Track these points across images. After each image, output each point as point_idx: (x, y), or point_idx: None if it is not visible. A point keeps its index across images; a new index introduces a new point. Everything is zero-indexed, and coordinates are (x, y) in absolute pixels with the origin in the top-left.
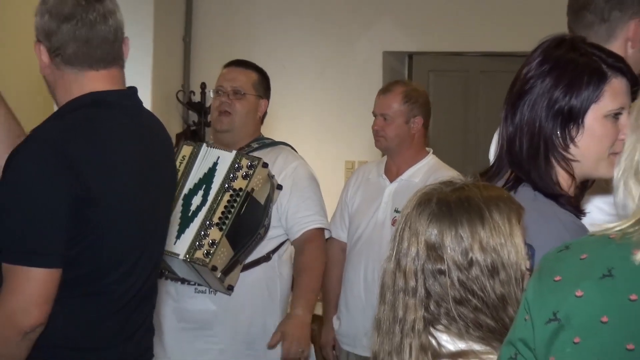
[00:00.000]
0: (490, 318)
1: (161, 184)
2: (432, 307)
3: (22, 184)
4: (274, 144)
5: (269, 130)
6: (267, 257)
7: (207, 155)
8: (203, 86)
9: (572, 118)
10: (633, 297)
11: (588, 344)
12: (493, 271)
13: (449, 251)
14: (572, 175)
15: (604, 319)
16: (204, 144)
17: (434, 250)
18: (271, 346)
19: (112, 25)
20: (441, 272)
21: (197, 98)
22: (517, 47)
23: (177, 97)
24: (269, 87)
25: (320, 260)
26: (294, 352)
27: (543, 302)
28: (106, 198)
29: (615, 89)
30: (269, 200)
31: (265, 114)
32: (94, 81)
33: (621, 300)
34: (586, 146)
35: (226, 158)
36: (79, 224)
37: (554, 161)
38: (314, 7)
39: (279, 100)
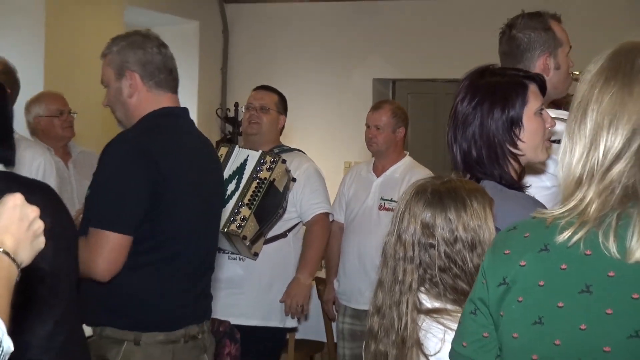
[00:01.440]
0: (466, 283)
1: (214, 175)
2: (420, 273)
3: (115, 170)
4: (290, 150)
5: (286, 138)
6: (284, 235)
7: (239, 154)
8: (236, 105)
9: (515, 123)
10: (563, 266)
11: (528, 302)
12: (472, 246)
13: (439, 230)
14: (520, 165)
15: (541, 283)
16: (237, 146)
17: (427, 229)
18: (281, 302)
19: (174, 58)
20: (432, 246)
21: (231, 114)
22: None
23: (217, 113)
24: (287, 107)
25: (323, 238)
26: (293, 306)
27: (495, 269)
28: (174, 181)
29: (534, 92)
30: (286, 188)
31: (283, 127)
32: (166, 101)
33: (554, 269)
34: (528, 140)
35: (254, 156)
36: (155, 202)
37: (509, 159)
38: (320, 45)
39: (294, 116)
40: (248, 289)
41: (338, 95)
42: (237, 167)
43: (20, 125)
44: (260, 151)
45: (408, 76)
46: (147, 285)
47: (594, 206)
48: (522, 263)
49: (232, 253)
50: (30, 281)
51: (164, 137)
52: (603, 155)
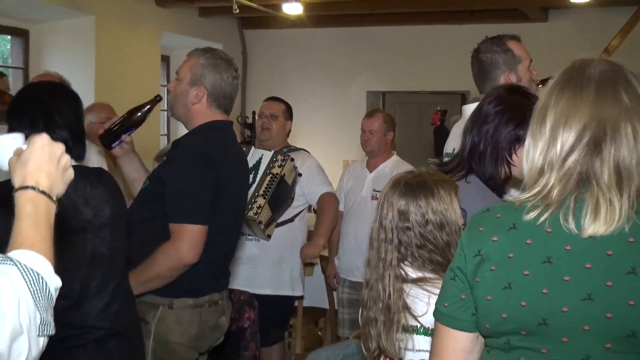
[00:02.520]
0: (440, 256)
1: (245, 178)
2: (402, 250)
3: (186, 174)
4: (297, 149)
5: (294, 140)
6: (291, 220)
7: (255, 153)
8: (253, 113)
9: (518, 140)
10: (528, 241)
11: (500, 271)
12: (441, 226)
13: (412, 215)
14: (511, 173)
15: (510, 255)
16: (253, 147)
17: (403, 215)
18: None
19: (238, 88)
20: (408, 228)
21: (249, 121)
22: (449, 88)
23: (237, 120)
24: (292, 113)
25: (333, 210)
26: (304, 258)
27: (471, 244)
28: (226, 185)
29: None
30: (294, 182)
31: (290, 130)
32: (218, 117)
33: (521, 244)
34: (521, 157)
35: (267, 155)
36: (214, 200)
37: (504, 164)
38: (322, 63)
39: (301, 121)
40: (263, 264)
41: (337, 105)
42: (254, 164)
43: None
44: (272, 151)
45: (396, 89)
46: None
47: (555, 191)
48: (494, 239)
49: (249, 235)
50: (93, 262)
51: (222, 149)
52: (560, 148)
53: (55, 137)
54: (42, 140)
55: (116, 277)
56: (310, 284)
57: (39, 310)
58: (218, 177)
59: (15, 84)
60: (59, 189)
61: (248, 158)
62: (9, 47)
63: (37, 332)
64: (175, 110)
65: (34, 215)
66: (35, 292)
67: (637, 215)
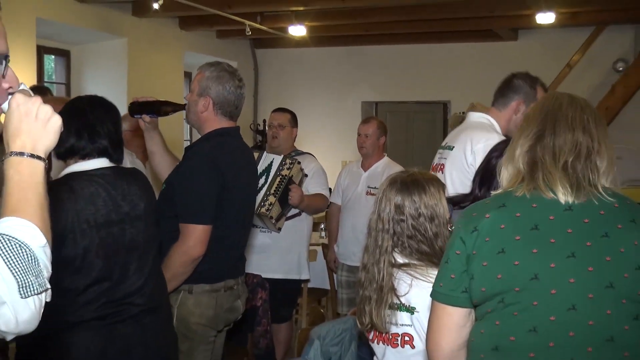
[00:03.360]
0: (427, 246)
1: (254, 178)
2: (394, 239)
3: (194, 179)
4: (303, 153)
5: (300, 143)
6: (299, 214)
7: (266, 157)
8: (263, 122)
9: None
10: (517, 214)
11: (494, 239)
12: (431, 218)
13: (407, 209)
14: None
15: (502, 226)
16: (264, 152)
17: (398, 208)
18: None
19: (244, 96)
20: (402, 220)
21: (260, 128)
22: (433, 98)
23: (250, 127)
24: (297, 121)
25: (321, 200)
26: (292, 201)
27: (467, 224)
28: (232, 187)
29: None
30: (301, 182)
31: (296, 136)
32: (225, 123)
33: (511, 216)
34: None
35: (277, 159)
36: (220, 200)
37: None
38: (323, 77)
39: (306, 127)
40: (274, 252)
41: (336, 113)
42: (265, 167)
43: None
44: (282, 155)
45: (387, 99)
46: (208, 253)
47: (533, 179)
48: (487, 216)
49: (262, 227)
50: (130, 249)
51: (228, 153)
52: (534, 153)
53: (97, 146)
54: (16, 100)
55: (150, 262)
56: (313, 268)
57: (14, 275)
58: (224, 179)
59: (59, 95)
60: (46, 141)
61: (260, 162)
62: (53, 65)
63: (20, 295)
64: (189, 118)
65: (16, 180)
66: (9, 257)
67: (600, 194)
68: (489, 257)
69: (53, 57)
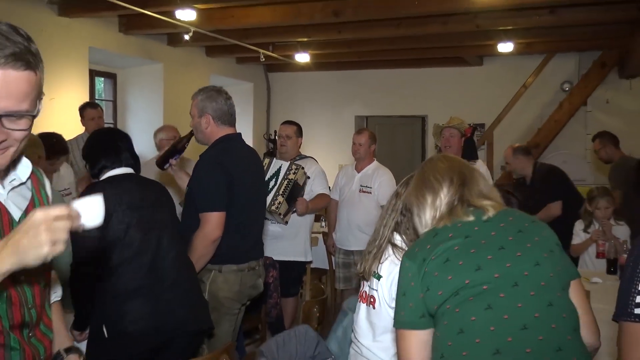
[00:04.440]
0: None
1: (259, 172)
2: (399, 220)
3: (204, 176)
4: (306, 157)
5: (306, 148)
6: None
7: (275, 163)
8: (274, 132)
9: None
10: (450, 235)
11: (438, 258)
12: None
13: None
14: None
15: (441, 245)
16: (274, 158)
17: (405, 206)
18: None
19: (234, 105)
20: (403, 214)
21: (272, 137)
22: (413, 113)
23: (264, 137)
24: (302, 131)
25: (322, 200)
26: (298, 210)
27: (414, 259)
28: (238, 181)
29: None
30: (304, 183)
31: (301, 144)
32: (227, 130)
33: (446, 237)
34: None
35: (285, 164)
36: (230, 192)
37: None
38: (323, 96)
39: (309, 136)
40: (283, 239)
41: (334, 124)
42: (275, 172)
43: (151, 145)
44: (289, 162)
45: (376, 114)
46: (228, 238)
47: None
48: (428, 246)
49: (273, 221)
50: (162, 228)
51: (231, 154)
52: (440, 202)
53: (121, 158)
54: (35, 216)
55: (177, 240)
56: (315, 252)
57: None
58: (230, 174)
59: (107, 112)
60: (28, 257)
61: (270, 167)
62: (102, 85)
63: None
64: (198, 138)
65: None
66: None
67: (503, 209)
68: (438, 269)
69: (102, 79)
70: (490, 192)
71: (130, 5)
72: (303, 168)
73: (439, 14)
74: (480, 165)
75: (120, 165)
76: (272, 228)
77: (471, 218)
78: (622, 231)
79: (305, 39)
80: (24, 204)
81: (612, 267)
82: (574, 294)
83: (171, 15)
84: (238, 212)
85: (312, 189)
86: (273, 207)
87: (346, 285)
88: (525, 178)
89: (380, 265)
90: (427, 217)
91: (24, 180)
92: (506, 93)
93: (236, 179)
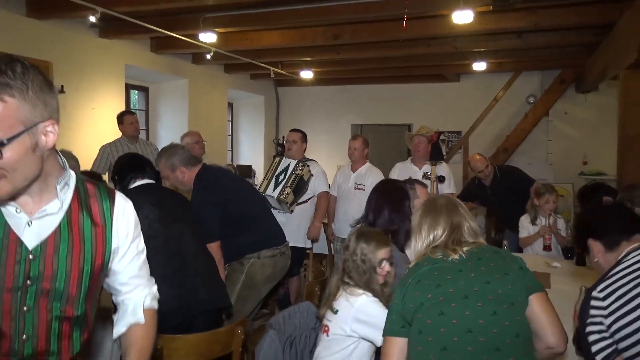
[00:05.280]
0: (358, 276)
1: (241, 179)
2: (345, 266)
3: (203, 212)
4: (310, 159)
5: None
6: (306, 202)
7: (285, 161)
8: (282, 137)
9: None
10: (425, 264)
11: (414, 279)
12: (363, 261)
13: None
14: None
15: (417, 272)
16: (283, 157)
17: (350, 249)
18: (307, 236)
19: (184, 146)
20: (349, 256)
21: (281, 142)
22: (400, 122)
23: (273, 141)
24: (306, 138)
25: (325, 203)
26: (311, 236)
27: (401, 287)
28: (233, 192)
29: None
30: (309, 179)
31: (305, 148)
32: (196, 169)
33: (421, 265)
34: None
35: (293, 162)
36: (223, 210)
37: None
38: (324, 106)
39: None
40: (287, 227)
41: (333, 131)
42: (284, 168)
43: None
44: (296, 160)
45: (369, 122)
46: (250, 234)
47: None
48: (410, 280)
49: (280, 210)
50: (183, 222)
51: (213, 182)
52: (433, 238)
53: (144, 172)
54: None
55: (197, 236)
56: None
57: None
58: (223, 197)
59: (140, 120)
60: None
61: (280, 163)
62: (136, 97)
63: None
64: (182, 190)
65: None
66: None
67: (476, 247)
68: (412, 288)
69: (137, 91)
70: (469, 232)
71: (160, 29)
72: (309, 166)
73: (423, 38)
74: (444, 167)
75: (144, 178)
76: (278, 217)
77: (451, 255)
78: (560, 223)
79: (309, 59)
80: (46, 234)
81: (569, 253)
82: (536, 306)
83: (195, 37)
84: (244, 209)
85: (315, 186)
86: (282, 197)
87: None
88: (484, 181)
89: (335, 302)
90: (418, 247)
91: (53, 212)
92: (479, 105)
93: (231, 193)
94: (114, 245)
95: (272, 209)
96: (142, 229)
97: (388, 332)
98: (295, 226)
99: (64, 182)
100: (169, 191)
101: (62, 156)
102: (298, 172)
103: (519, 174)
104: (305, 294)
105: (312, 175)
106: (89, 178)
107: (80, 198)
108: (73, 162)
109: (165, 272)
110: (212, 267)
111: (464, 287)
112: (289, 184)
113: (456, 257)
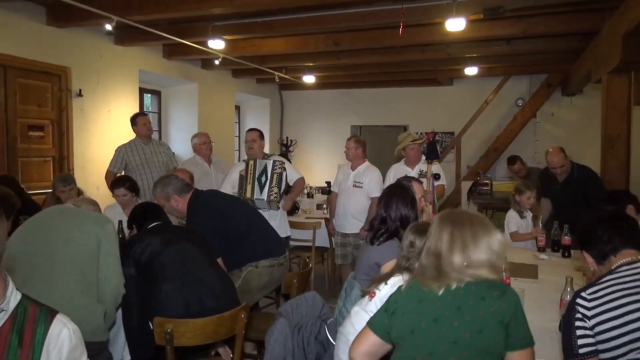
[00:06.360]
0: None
1: (230, 196)
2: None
3: (198, 223)
4: (271, 154)
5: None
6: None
7: (260, 163)
8: (287, 138)
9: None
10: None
11: (402, 312)
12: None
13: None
14: None
15: (408, 307)
16: (257, 159)
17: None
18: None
19: (177, 175)
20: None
21: (285, 142)
22: (396, 123)
23: (278, 142)
24: (264, 136)
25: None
26: (284, 208)
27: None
28: (226, 209)
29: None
30: (285, 175)
31: (264, 146)
32: (188, 196)
33: (408, 297)
34: None
35: (269, 163)
36: (223, 225)
37: None
38: (325, 108)
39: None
40: (271, 221)
41: (334, 132)
42: (262, 169)
43: (187, 148)
44: (272, 160)
45: (367, 124)
46: (249, 246)
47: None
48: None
49: (264, 209)
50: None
51: (208, 204)
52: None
53: (162, 217)
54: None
55: (209, 254)
56: (319, 233)
57: None
58: (220, 217)
59: (152, 122)
60: None
61: (256, 167)
62: (150, 100)
63: None
64: (175, 215)
65: None
66: None
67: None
68: (399, 316)
69: (150, 95)
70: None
71: (172, 36)
72: (283, 163)
73: (418, 44)
74: (439, 167)
75: (158, 221)
76: (264, 215)
77: (435, 288)
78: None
79: (311, 64)
80: None
81: (555, 246)
82: None
83: (204, 44)
84: (243, 222)
85: (291, 178)
86: (272, 197)
87: (343, 261)
88: (558, 176)
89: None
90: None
91: (9, 310)
92: (471, 108)
93: (225, 211)
94: None
95: (259, 210)
96: (146, 253)
97: (370, 325)
98: (276, 220)
99: (0, 308)
100: (178, 226)
101: (9, 282)
102: (278, 171)
103: (595, 179)
104: (284, 286)
105: (285, 169)
106: (35, 302)
107: (15, 321)
108: (92, 206)
109: (174, 287)
110: (221, 278)
111: (437, 340)
112: (274, 184)
113: (439, 293)
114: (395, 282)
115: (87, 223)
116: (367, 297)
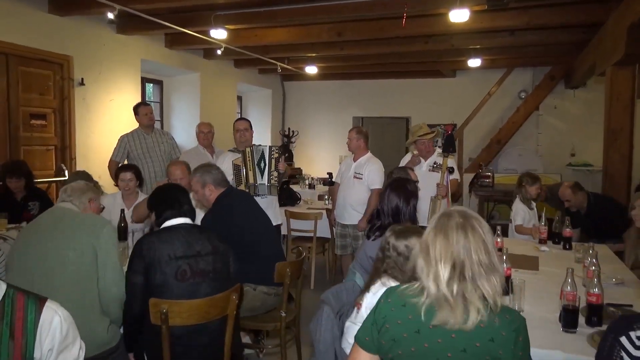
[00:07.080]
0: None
1: (254, 203)
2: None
3: (212, 222)
4: (259, 145)
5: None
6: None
7: (257, 149)
8: (289, 129)
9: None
10: (409, 316)
11: (392, 325)
12: (406, 258)
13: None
14: None
15: (398, 321)
16: (252, 146)
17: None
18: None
19: (219, 167)
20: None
21: (287, 133)
22: (398, 115)
23: (280, 133)
24: (252, 125)
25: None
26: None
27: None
28: (240, 218)
29: None
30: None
31: (252, 134)
32: (221, 190)
33: (404, 313)
34: None
35: (266, 149)
36: (241, 229)
37: None
38: (327, 100)
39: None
40: (270, 208)
41: (336, 123)
42: (260, 156)
43: (190, 137)
44: (268, 146)
45: (369, 115)
46: (256, 265)
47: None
48: (392, 309)
49: (264, 196)
50: (202, 275)
51: (232, 209)
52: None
53: (181, 210)
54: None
55: (219, 284)
56: (320, 224)
57: None
58: (235, 217)
59: (155, 112)
60: None
61: (254, 154)
62: (152, 90)
63: None
64: (203, 205)
65: None
66: None
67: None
68: (389, 322)
69: (152, 84)
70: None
71: (174, 25)
72: (279, 149)
73: (421, 35)
74: (453, 160)
75: (179, 216)
76: (260, 203)
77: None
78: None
79: (314, 55)
80: None
81: (557, 238)
82: None
83: (206, 34)
84: (252, 241)
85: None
86: (273, 181)
87: (343, 252)
88: (580, 210)
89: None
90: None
91: None
92: (474, 99)
93: (243, 225)
94: (36, 356)
95: (256, 197)
96: (160, 288)
97: (357, 340)
98: (271, 208)
99: None
100: (199, 234)
101: None
102: (275, 155)
103: (611, 207)
104: (276, 276)
105: (280, 154)
106: (21, 290)
107: (3, 314)
108: (90, 182)
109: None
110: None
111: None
112: (272, 169)
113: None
114: (377, 289)
115: (80, 236)
116: (355, 308)
